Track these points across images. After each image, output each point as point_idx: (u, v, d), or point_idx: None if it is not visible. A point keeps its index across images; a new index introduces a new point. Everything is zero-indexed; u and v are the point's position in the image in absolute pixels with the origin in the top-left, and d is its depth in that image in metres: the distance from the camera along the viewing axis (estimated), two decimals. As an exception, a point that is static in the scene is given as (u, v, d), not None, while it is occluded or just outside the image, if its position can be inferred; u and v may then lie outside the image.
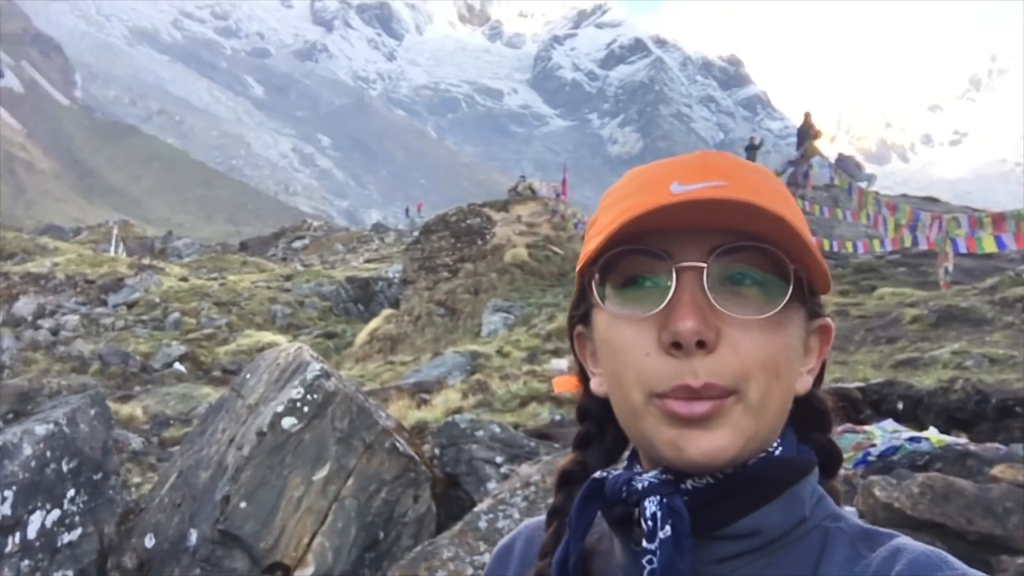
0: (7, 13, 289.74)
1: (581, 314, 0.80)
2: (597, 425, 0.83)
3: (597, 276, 0.72)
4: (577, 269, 0.77)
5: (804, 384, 0.76)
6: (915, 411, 5.75)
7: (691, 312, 0.67)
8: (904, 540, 0.70)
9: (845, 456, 5.01)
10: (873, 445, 4.87)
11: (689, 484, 0.70)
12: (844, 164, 19.04)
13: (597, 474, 0.77)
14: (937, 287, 10.94)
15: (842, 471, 4.91)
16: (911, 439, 4.76)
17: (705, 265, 0.68)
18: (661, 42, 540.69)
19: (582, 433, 0.84)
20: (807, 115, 19.52)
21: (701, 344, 0.67)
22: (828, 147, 18.91)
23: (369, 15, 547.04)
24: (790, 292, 0.70)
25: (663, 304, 0.68)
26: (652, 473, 0.72)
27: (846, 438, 5.16)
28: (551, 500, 0.84)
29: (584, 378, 0.83)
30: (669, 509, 0.69)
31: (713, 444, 0.67)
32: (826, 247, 13.36)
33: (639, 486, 0.72)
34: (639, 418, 0.70)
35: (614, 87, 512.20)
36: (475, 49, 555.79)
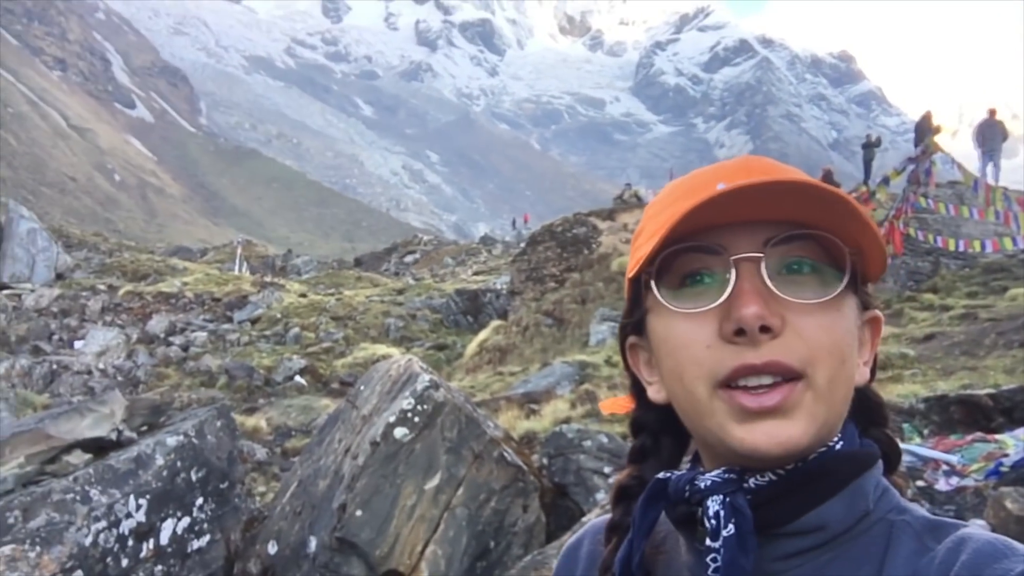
0: (136, 47, 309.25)
1: (635, 323, 0.80)
2: (652, 438, 0.84)
3: (654, 279, 0.73)
4: (628, 276, 0.79)
5: (862, 375, 0.76)
6: (1052, 419, 5.39)
7: (753, 298, 0.68)
8: (970, 530, 0.69)
9: (975, 467, 4.76)
10: (1006, 455, 4.61)
11: (752, 482, 0.71)
12: (989, 128, 18.01)
13: (661, 474, 0.78)
14: (1076, 286, 10.24)
15: (972, 482, 4.67)
16: (1048, 449, 4.48)
17: (762, 255, 0.69)
18: (767, 42, 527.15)
19: (637, 446, 0.85)
20: (927, 113, 18.68)
21: (765, 330, 0.67)
22: (950, 142, 18.01)
23: (471, 33, 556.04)
24: (847, 276, 0.71)
25: (725, 296, 0.69)
26: (715, 472, 0.72)
27: (976, 448, 4.90)
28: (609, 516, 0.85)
29: (637, 392, 0.84)
30: (732, 508, 0.70)
31: (787, 433, 0.68)
32: (952, 247, 12.73)
33: (702, 485, 0.72)
34: (705, 414, 0.71)
35: (719, 90, 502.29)
36: (576, 60, 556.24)
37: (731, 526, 0.69)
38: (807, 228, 0.70)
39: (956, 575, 0.65)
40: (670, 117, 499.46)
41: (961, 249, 12.57)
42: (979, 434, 5.06)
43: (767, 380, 0.68)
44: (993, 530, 3.42)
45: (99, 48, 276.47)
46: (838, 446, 0.73)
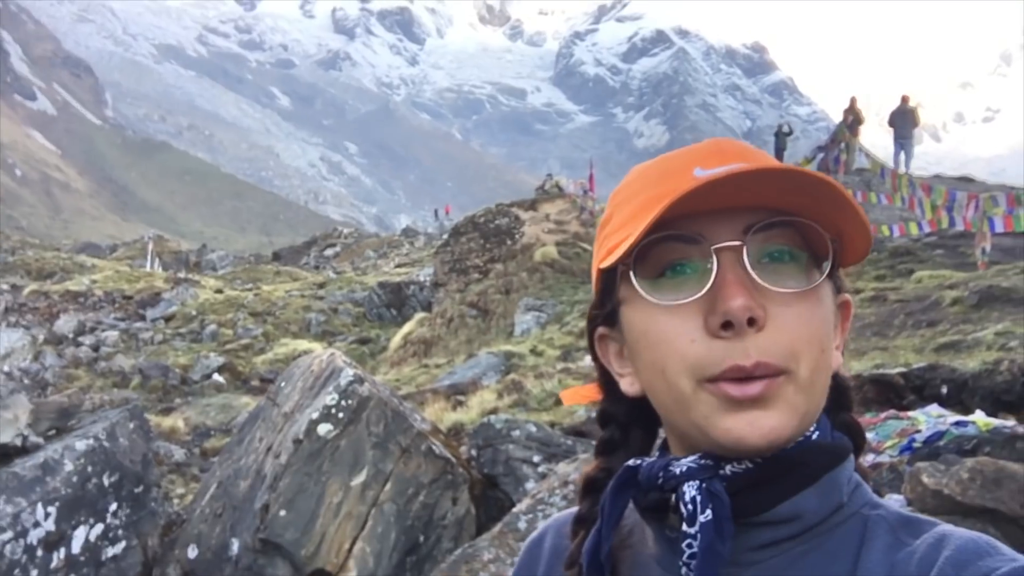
0: (37, 36, 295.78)
1: (606, 314, 0.77)
2: (621, 430, 0.81)
3: (633, 269, 0.70)
4: (599, 266, 0.75)
5: (836, 360, 0.74)
6: (960, 395, 5.62)
7: (739, 290, 0.66)
8: (948, 527, 0.68)
9: (889, 443, 4.92)
10: (918, 431, 4.78)
11: (728, 469, 0.69)
12: (901, 116, 18.65)
13: (631, 462, 0.75)
14: (975, 268, 10.72)
15: (887, 458, 4.83)
16: (957, 423, 4.66)
17: (743, 243, 0.67)
18: (683, 32, 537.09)
19: (605, 438, 0.82)
20: (852, 99, 19.28)
21: (751, 322, 0.65)
22: (861, 129, 18.62)
23: (390, 21, 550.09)
24: (828, 264, 0.70)
25: (707, 287, 0.67)
26: (691, 458, 0.71)
27: (890, 425, 5.06)
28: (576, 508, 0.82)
29: (605, 383, 0.81)
30: (709, 493, 0.68)
31: (770, 424, 0.66)
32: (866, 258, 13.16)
33: (677, 471, 0.70)
34: (689, 407, 0.69)
35: (638, 80, 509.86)
36: (496, 50, 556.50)
37: (708, 511, 0.67)
38: (787, 215, 0.68)
39: (940, 571, 0.64)
40: (590, 107, 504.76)
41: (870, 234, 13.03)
42: (892, 412, 5.24)
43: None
44: (909, 504, 3.53)
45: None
46: (814, 436, 0.72)
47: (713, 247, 0.67)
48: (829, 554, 0.69)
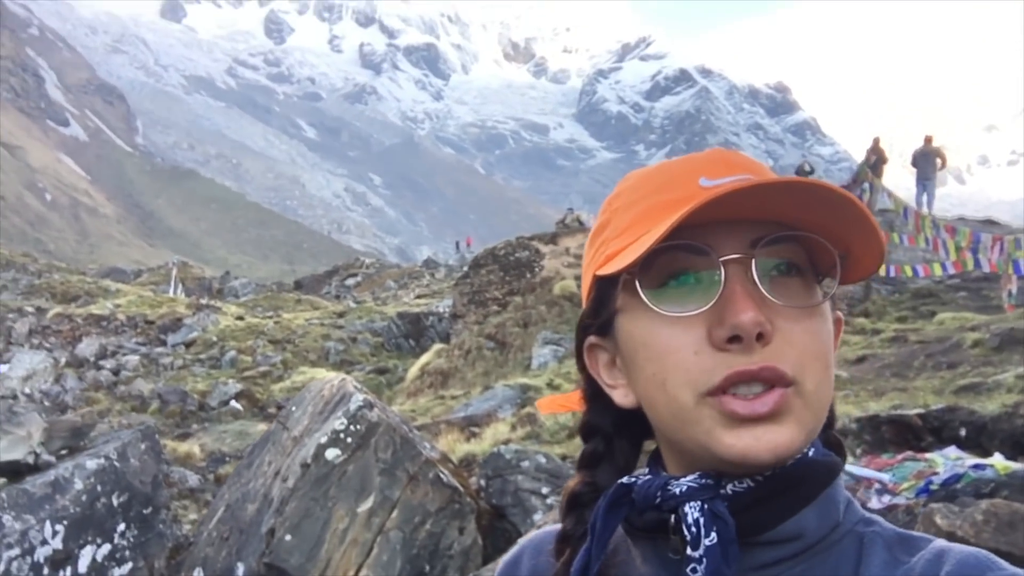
0: (72, 64, 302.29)
1: (600, 323, 0.75)
2: (606, 442, 0.79)
3: (637, 278, 0.69)
4: (596, 273, 0.74)
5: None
6: (979, 438, 5.53)
7: (749, 303, 0.64)
8: (945, 543, 0.67)
9: (906, 485, 4.84)
10: (935, 473, 4.69)
11: (729, 488, 0.67)
12: (923, 157, 18.53)
13: (624, 479, 0.73)
14: (999, 311, 10.59)
15: (904, 500, 4.74)
16: (975, 466, 4.58)
17: (751, 256, 0.66)
18: (706, 72, 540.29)
19: (589, 451, 0.80)
20: (876, 140, 19.24)
21: (759, 336, 0.64)
22: (884, 169, 18.56)
23: (416, 57, 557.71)
24: (836, 280, 0.69)
25: (715, 299, 0.65)
26: (690, 477, 0.69)
27: (907, 466, 4.98)
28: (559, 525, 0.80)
29: (591, 394, 0.79)
30: (712, 514, 0.66)
31: (779, 440, 0.64)
32: (882, 272, 13.09)
33: (676, 491, 0.68)
34: (690, 422, 0.67)
35: (660, 118, 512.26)
36: (520, 86, 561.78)
37: (713, 534, 0.65)
38: (795, 229, 0.67)
39: None
40: (612, 144, 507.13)
41: (891, 275, 12.92)
42: (909, 453, 5.16)
43: (758, 388, 0.65)
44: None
45: (32, 64, 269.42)
46: (811, 452, 0.70)
47: (721, 259, 0.66)
48: (828, 573, 0.68)
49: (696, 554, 0.65)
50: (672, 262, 0.68)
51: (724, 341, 0.64)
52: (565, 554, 0.76)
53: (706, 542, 0.65)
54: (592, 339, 0.77)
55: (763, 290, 0.65)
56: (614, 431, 0.78)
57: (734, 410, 0.64)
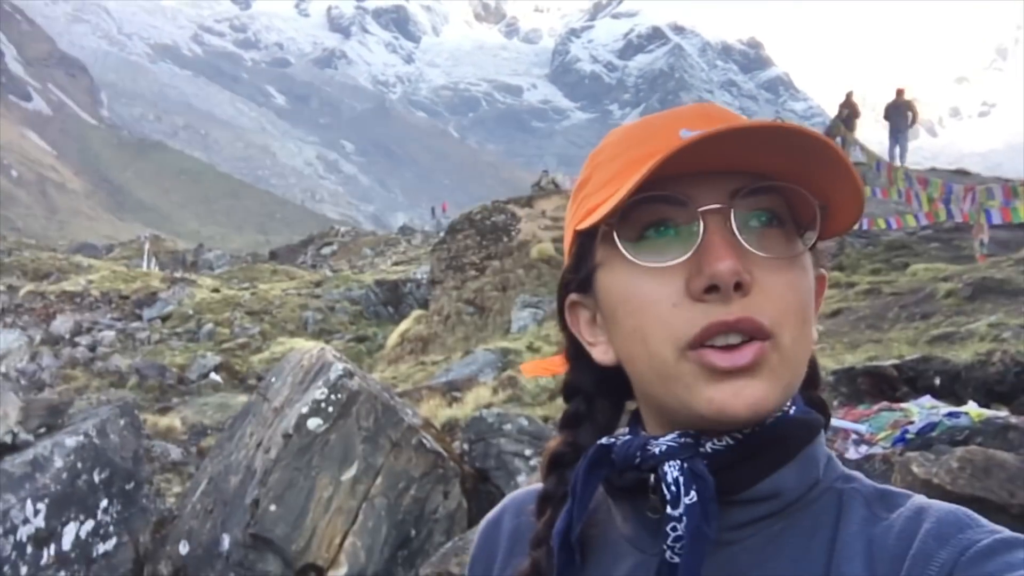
0: (32, 37, 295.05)
1: (580, 279, 0.74)
2: (587, 402, 0.78)
3: (616, 230, 0.68)
4: (575, 227, 0.73)
5: (813, 335, 0.72)
6: (953, 386, 5.63)
7: (727, 251, 0.63)
8: (924, 499, 0.67)
9: (882, 435, 4.92)
10: (911, 423, 4.78)
11: (708, 447, 0.67)
12: (896, 109, 18.61)
13: (603, 440, 0.73)
14: (971, 261, 10.74)
15: (880, 449, 4.83)
16: (950, 414, 4.66)
17: (730, 207, 0.65)
18: (679, 29, 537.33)
19: (571, 412, 0.79)
20: (848, 94, 19.26)
21: (737, 286, 0.63)
22: (857, 123, 18.66)
23: (385, 19, 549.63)
24: (815, 231, 0.67)
25: (693, 249, 0.65)
26: (669, 436, 0.68)
27: (883, 416, 5.06)
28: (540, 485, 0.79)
29: (574, 353, 0.78)
30: (692, 473, 0.65)
31: (756, 394, 0.64)
32: (855, 226, 13.18)
33: (656, 450, 0.68)
34: (670, 378, 0.66)
35: (634, 77, 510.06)
36: (492, 47, 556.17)
37: (693, 493, 0.65)
38: (775, 180, 0.66)
39: (921, 544, 0.62)
40: (586, 104, 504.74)
41: (865, 228, 13.03)
42: (885, 403, 5.24)
43: (736, 339, 0.64)
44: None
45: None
46: (792, 411, 0.70)
47: (700, 209, 0.65)
48: (807, 530, 0.68)
49: (676, 513, 0.65)
50: (651, 213, 0.67)
51: (702, 291, 0.64)
52: (546, 514, 0.76)
53: (685, 500, 0.65)
54: (573, 296, 0.76)
55: (741, 240, 0.65)
56: (595, 391, 0.77)
57: (713, 362, 0.64)
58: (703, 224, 0.65)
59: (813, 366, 0.76)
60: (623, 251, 0.67)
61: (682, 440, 0.67)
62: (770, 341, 0.64)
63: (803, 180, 0.66)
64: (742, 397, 0.64)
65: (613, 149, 0.73)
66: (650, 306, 0.66)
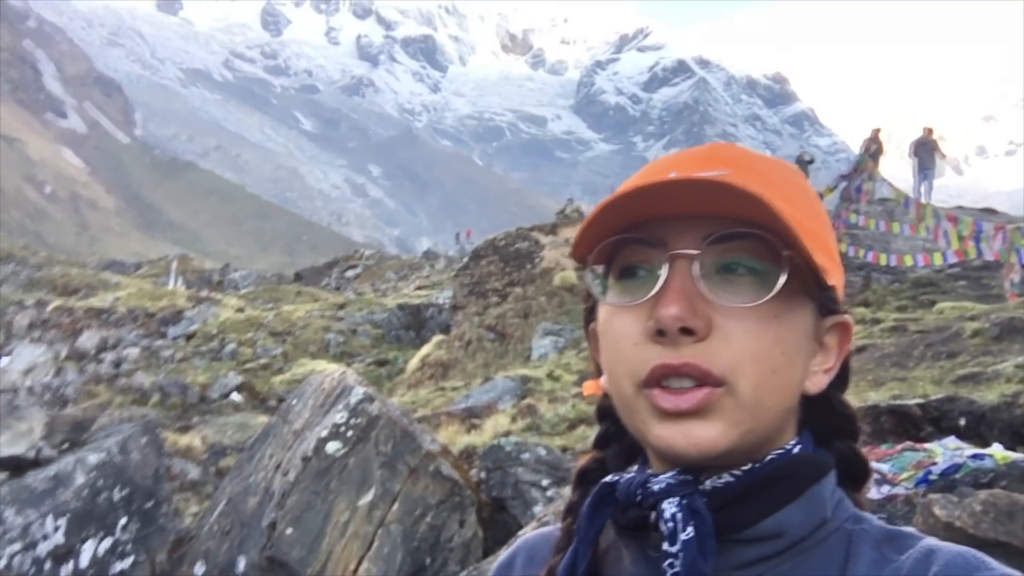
0: (70, 56, 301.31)
1: (589, 309, 0.79)
2: (616, 424, 0.79)
3: (599, 267, 0.71)
4: (570, 254, 0.76)
5: (817, 383, 0.72)
6: (978, 427, 5.54)
7: (676, 298, 0.65)
8: (934, 541, 0.66)
9: (905, 475, 4.85)
10: (934, 463, 4.70)
11: (708, 484, 0.68)
12: (923, 147, 18.57)
13: (608, 478, 0.74)
14: (999, 300, 10.60)
15: (903, 490, 4.75)
16: (974, 456, 4.58)
17: (698, 252, 0.66)
18: (704, 63, 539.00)
19: (601, 432, 0.82)
20: (875, 130, 19.23)
21: (686, 331, 0.65)
22: (881, 161, 18.58)
23: (413, 48, 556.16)
24: (782, 280, 0.67)
25: (652, 292, 0.67)
26: (669, 474, 0.69)
27: (906, 456, 4.99)
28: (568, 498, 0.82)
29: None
30: (689, 510, 0.66)
31: (703, 435, 0.65)
32: (883, 262, 13.08)
33: (655, 488, 0.69)
34: (632, 411, 0.69)
35: (658, 109, 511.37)
36: (518, 78, 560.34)
37: (690, 529, 0.65)
38: (748, 227, 0.66)
39: None
40: (610, 135, 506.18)
41: (892, 264, 12.93)
42: (909, 443, 5.16)
43: (687, 383, 0.65)
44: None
45: (30, 57, 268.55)
46: (795, 449, 0.70)
47: (669, 252, 0.67)
48: (813, 571, 0.67)
49: (673, 549, 0.66)
50: (631, 255, 0.70)
51: (653, 334, 0.66)
52: (567, 522, 0.78)
53: (682, 536, 0.65)
54: (593, 325, 0.79)
55: (701, 286, 0.66)
56: None
57: (659, 404, 0.66)
58: (669, 267, 0.67)
59: (846, 416, 0.76)
60: (591, 289, 0.72)
61: (681, 477, 0.68)
62: (724, 387, 0.65)
63: (780, 230, 0.66)
64: (689, 437, 0.66)
65: (624, 184, 0.75)
66: (618, 342, 0.69)
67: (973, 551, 0.64)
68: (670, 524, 0.66)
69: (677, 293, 0.66)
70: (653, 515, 0.69)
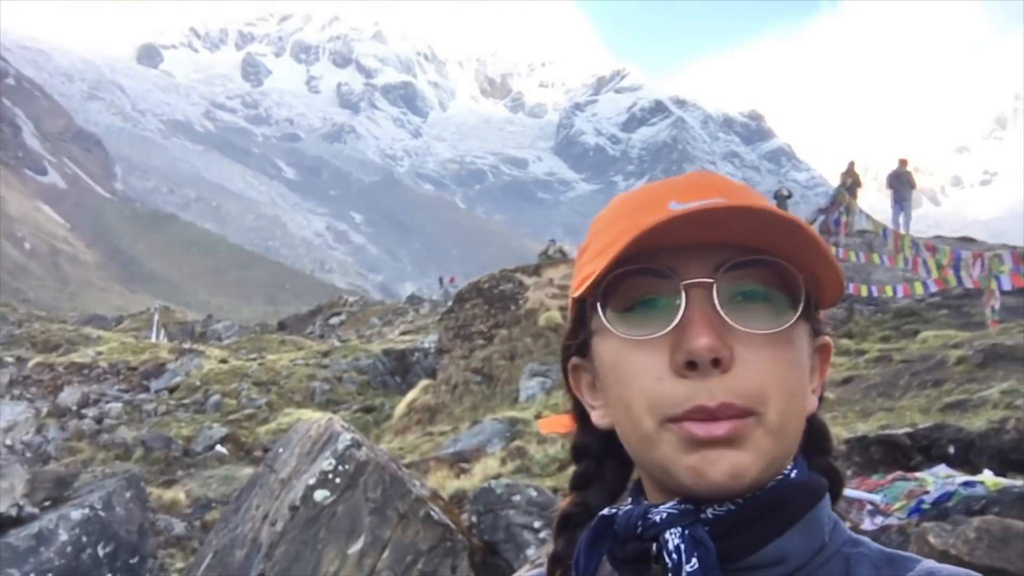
0: (49, 112, 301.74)
1: (578, 344, 0.76)
2: (596, 462, 0.79)
3: (600, 301, 0.69)
4: (573, 295, 0.74)
5: (812, 404, 0.72)
6: (967, 454, 5.55)
7: (705, 329, 0.64)
8: (932, 563, 0.67)
9: (898, 505, 4.84)
10: (926, 492, 4.70)
11: (709, 513, 0.67)
12: (898, 179, 18.87)
13: (605, 511, 0.73)
14: (981, 327, 10.68)
15: (896, 520, 4.74)
16: (965, 484, 4.59)
17: (713, 281, 0.66)
18: (681, 102, 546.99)
19: (580, 472, 0.80)
20: (850, 164, 19.55)
21: (716, 363, 0.64)
22: (859, 193, 18.89)
23: (394, 95, 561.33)
24: (801, 305, 0.68)
25: (674, 323, 0.65)
26: (670, 504, 0.68)
27: (897, 486, 4.99)
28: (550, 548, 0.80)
29: (579, 415, 0.79)
30: (693, 540, 0.65)
31: (736, 463, 0.64)
32: (864, 293, 13.17)
33: (656, 519, 0.68)
34: (653, 446, 0.67)
35: (637, 148, 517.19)
36: (498, 121, 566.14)
37: (694, 560, 0.65)
38: (761, 254, 0.67)
39: None
40: (591, 175, 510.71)
41: (874, 295, 13.02)
42: (899, 473, 5.16)
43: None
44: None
45: (8, 114, 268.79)
46: (792, 474, 0.70)
47: (683, 283, 0.66)
48: None
49: None
50: (639, 286, 0.68)
51: (682, 367, 0.65)
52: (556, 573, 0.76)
53: (687, 568, 0.65)
54: (574, 360, 0.78)
55: (723, 315, 0.65)
56: (604, 452, 0.78)
57: (692, 432, 0.64)
58: (686, 298, 0.66)
59: (823, 433, 0.76)
60: (605, 324, 0.69)
61: (682, 507, 0.68)
62: (753, 417, 0.65)
63: (789, 255, 0.67)
64: (720, 465, 0.64)
65: (608, 218, 0.75)
66: (635, 378, 0.67)
67: (971, 572, 0.64)
68: (674, 556, 0.66)
69: (703, 323, 0.65)
70: (654, 547, 0.68)
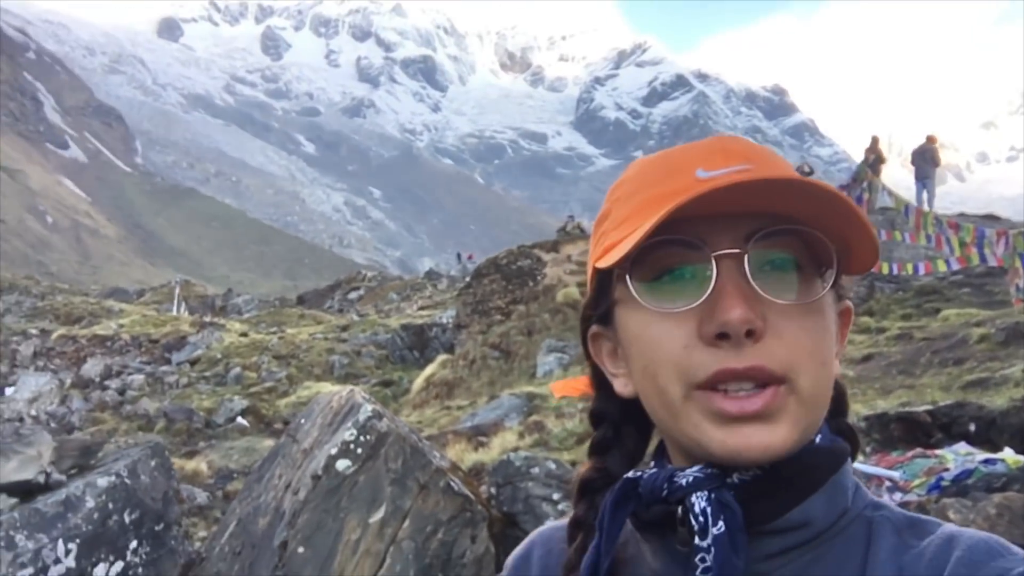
0: (70, 86, 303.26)
1: (600, 314, 0.76)
2: (614, 429, 0.79)
3: (628, 272, 0.69)
4: (594, 264, 0.74)
5: (837, 369, 0.72)
6: (988, 432, 5.52)
7: (738, 300, 0.64)
8: (955, 527, 0.67)
9: (917, 482, 4.83)
10: (946, 469, 4.69)
11: (736, 478, 0.67)
12: (921, 156, 18.59)
13: (630, 474, 0.73)
14: (1004, 305, 10.58)
15: (915, 496, 4.73)
16: (986, 461, 4.57)
17: (744, 252, 0.65)
18: (703, 76, 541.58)
19: (599, 438, 0.80)
20: (874, 139, 19.27)
21: (749, 333, 0.64)
22: (883, 169, 18.64)
23: (413, 69, 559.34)
24: (833, 275, 0.68)
25: (705, 295, 0.65)
26: (697, 468, 0.68)
27: (917, 463, 4.97)
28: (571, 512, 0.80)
29: (598, 382, 0.80)
30: (719, 504, 0.66)
31: (770, 439, 0.64)
32: (885, 271, 13.07)
33: (683, 482, 0.68)
34: (680, 416, 0.67)
35: (658, 124, 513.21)
36: (518, 95, 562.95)
37: (721, 523, 0.65)
38: (791, 223, 0.66)
39: (952, 573, 0.62)
40: (611, 151, 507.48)
41: (895, 273, 12.91)
42: (919, 450, 5.15)
43: (748, 385, 0.65)
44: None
45: (30, 88, 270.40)
46: (817, 439, 0.70)
47: (714, 254, 0.66)
48: (837, 559, 0.68)
49: (704, 543, 0.65)
50: (667, 256, 0.68)
51: (713, 337, 0.64)
52: (577, 540, 0.77)
53: (714, 531, 0.65)
54: (595, 328, 0.78)
55: (755, 286, 0.65)
56: (621, 418, 0.79)
57: (723, 408, 0.64)
58: (716, 268, 0.65)
59: (840, 394, 0.76)
60: (634, 294, 0.68)
61: (709, 471, 0.68)
62: (785, 386, 0.65)
63: (820, 224, 0.66)
64: (755, 441, 0.64)
65: (631, 185, 0.74)
66: (662, 347, 0.67)
67: (996, 537, 0.64)
68: (700, 519, 0.66)
69: (736, 295, 0.64)
70: (680, 510, 0.68)
